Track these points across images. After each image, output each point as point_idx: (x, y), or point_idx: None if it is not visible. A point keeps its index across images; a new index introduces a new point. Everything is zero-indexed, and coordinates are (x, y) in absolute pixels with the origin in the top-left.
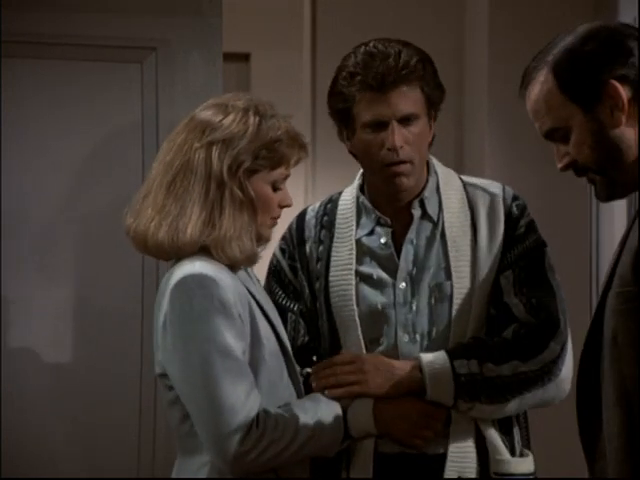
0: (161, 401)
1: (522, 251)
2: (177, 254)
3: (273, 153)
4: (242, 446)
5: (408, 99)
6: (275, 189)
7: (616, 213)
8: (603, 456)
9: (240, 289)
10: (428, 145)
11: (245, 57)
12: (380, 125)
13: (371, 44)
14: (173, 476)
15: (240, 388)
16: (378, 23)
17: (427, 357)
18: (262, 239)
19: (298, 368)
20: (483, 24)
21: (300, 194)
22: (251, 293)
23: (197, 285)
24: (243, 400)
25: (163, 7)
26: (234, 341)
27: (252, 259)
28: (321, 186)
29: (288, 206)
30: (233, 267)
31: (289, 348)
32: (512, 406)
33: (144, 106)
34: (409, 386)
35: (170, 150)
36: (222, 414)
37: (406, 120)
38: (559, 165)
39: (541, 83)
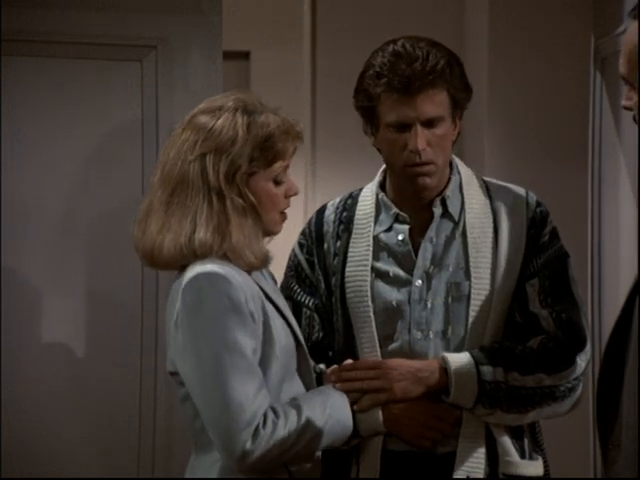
0: (160, 401)
1: (547, 259)
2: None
3: (267, 151)
4: (248, 445)
5: (434, 102)
6: (277, 183)
7: (621, 213)
8: (617, 445)
9: (252, 287)
10: (452, 143)
11: (245, 55)
12: (404, 127)
13: (399, 43)
14: (187, 470)
15: (249, 386)
16: (378, 22)
17: (453, 359)
18: (271, 234)
19: (312, 363)
20: (483, 24)
21: (300, 194)
22: (263, 290)
23: (208, 283)
24: (252, 398)
25: (163, 5)
26: (244, 339)
27: (266, 261)
28: (321, 186)
29: (294, 195)
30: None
31: (303, 343)
32: (529, 416)
33: (144, 104)
34: (433, 388)
35: (166, 162)
36: (230, 411)
37: (430, 123)
38: (622, 103)
39: (633, 33)
